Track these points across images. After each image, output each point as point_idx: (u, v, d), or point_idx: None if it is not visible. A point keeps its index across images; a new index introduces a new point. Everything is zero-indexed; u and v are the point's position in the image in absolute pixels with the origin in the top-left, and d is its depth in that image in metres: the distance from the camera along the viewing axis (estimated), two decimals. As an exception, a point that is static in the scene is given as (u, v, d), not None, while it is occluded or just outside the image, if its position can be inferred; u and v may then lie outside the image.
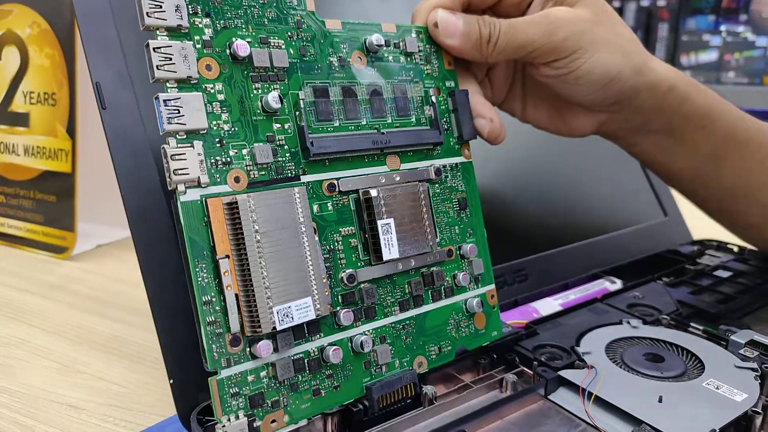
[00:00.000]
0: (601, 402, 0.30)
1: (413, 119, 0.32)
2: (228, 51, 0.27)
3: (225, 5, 0.27)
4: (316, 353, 0.28)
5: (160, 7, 0.24)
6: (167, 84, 0.25)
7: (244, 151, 0.27)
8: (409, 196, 0.31)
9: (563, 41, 0.34)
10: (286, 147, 0.28)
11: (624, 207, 0.54)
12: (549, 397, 0.32)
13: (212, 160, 0.26)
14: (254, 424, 0.26)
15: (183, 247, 0.25)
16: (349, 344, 0.29)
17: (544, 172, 0.52)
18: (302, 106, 0.28)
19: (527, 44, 0.34)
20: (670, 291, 0.43)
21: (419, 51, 0.33)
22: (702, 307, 0.40)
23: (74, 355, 0.40)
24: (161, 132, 0.25)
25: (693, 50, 2.22)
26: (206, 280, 0.25)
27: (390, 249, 0.30)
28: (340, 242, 0.29)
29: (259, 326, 0.25)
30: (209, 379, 0.25)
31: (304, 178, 0.28)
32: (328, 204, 0.29)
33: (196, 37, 0.26)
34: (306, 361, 0.27)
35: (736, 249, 0.52)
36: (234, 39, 0.27)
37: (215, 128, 0.26)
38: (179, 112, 0.24)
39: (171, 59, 0.24)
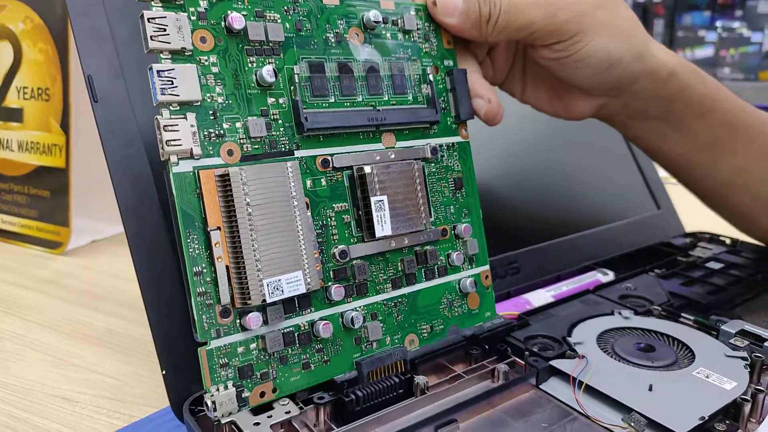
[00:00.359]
0: (591, 391, 0.30)
1: (410, 97, 0.32)
2: (223, 23, 0.27)
3: (221, -23, 0.27)
4: (307, 327, 0.28)
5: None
6: (161, 55, 0.25)
7: (238, 125, 0.27)
8: (403, 174, 0.31)
9: (564, 23, 0.33)
10: (280, 121, 0.28)
11: (617, 200, 0.54)
12: (540, 386, 0.32)
13: (205, 133, 0.26)
14: (243, 395, 0.26)
15: (175, 218, 0.25)
16: (340, 319, 0.29)
17: (537, 166, 0.52)
18: (297, 80, 0.28)
19: (528, 25, 0.33)
20: (662, 282, 0.43)
21: (418, 29, 0.33)
22: (693, 298, 0.41)
23: (68, 348, 0.40)
24: (155, 103, 0.25)
25: (689, 46, 2.22)
26: (197, 251, 0.25)
27: (383, 226, 0.30)
28: (333, 218, 0.29)
29: (249, 298, 0.25)
30: (198, 349, 0.25)
31: (298, 153, 0.28)
32: (322, 179, 0.29)
33: (191, 9, 0.26)
34: (296, 334, 0.28)
35: (728, 241, 0.52)
36: (229, 11, 0.27)
37: (209, 100, 0.26)
38: (173, 84, 0.25)
39: (165, 30, 0.24)
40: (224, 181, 0.26)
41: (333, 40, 0.30)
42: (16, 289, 0.50)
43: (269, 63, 0.28)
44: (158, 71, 0.24)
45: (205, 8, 0.26)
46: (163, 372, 0.29)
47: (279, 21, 0.28)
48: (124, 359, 0.39)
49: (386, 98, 0.31)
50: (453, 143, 0.34)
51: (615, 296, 0.41)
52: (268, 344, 0.27)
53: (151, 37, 0.24)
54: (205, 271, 0.25)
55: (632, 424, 0.27)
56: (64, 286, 0.51)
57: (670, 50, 0.39)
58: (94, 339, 0.42)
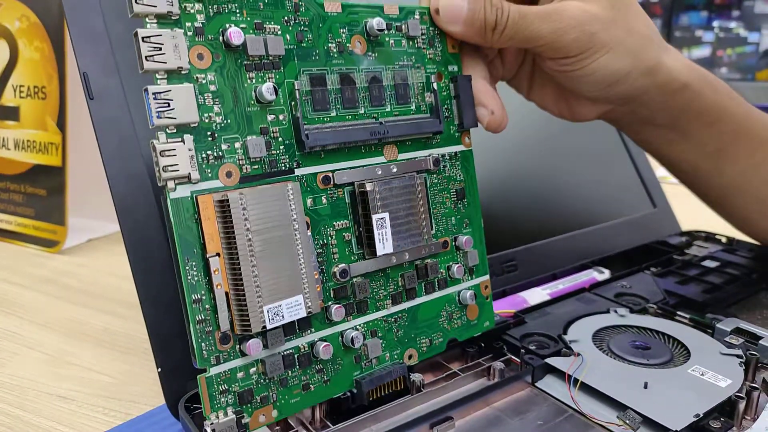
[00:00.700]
0: (587, 388, 0.30)
1: (413, 107, 0.31)
2: (221, 38, 0.25)
3: (218, -12, 0.25)
4: (307, 348, 0.28)
5: (149, -7, 0.23)
6: (157, 75, 0.24)
7: (237, 145, 0.26)
8: (405, 189, 0.30)
9: (572, 41, 0.32)
10: (280, 139, 0.27)
11: (613, 198, 0.54)
12: (536, 384, 0.32)
13: (203, 155, 0.25)
14: (242, 421, 0.26)
15: (173, 244, 0.24)
16: (340, 339, 0.29)
17: (534, 164, 0.52)
18: (298, 96, 0.27)
19: (535, 38, 0.32)
20: (658, 281, 0.43)
21: (422, 34, 0.32)
22: (689, 296, 0.41)
23: (64, 347, 0.40)
24: (150, 126, 0.24)
25: (686, 46, 2.22)
26: (196, 279, 0.24)
27: (384, 244, 0.29)
28: (334, 236, 0.29)
29: (249, 325, 0.25)
30: (198, 376, 0.25)
31: (299, 171, 0.28)
32: (323, 197, 0.28)
33: (188, 24, 0.24)
34: (296, 356, 0.27)
35: (724, 240, 0.52)
36: (227, 25, 0.25)
37: (207, 121, 0.25)
38: (169, 106, 0.24)
39: (161, 49, 0.23)
40: (223, 206, 0.25)
41: (335, 50, 0.29)
42: (13, 288, 0.50)
43: (269, 79, 0.27)
44: (154, 93, 0.23)
45: (202, 23, 0.25)
46: (159, 370, 0.29)
47: (279, 33, 0.27)
48: (120, 357, 0.39)
49: (389, 109, 0.31)
50: (455, 152, 0.33)
51: (611, 294, 0.41)
52: (268, 368, 0.26)
53: (146, 57, 0.23)
54: (204, 298, 0.25)
55: (627, 421, 0.28)
56: (61, 284, 0.51)
57: (686, 59, 0.38)
58: (90, 337, 0.41)
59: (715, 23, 2.22)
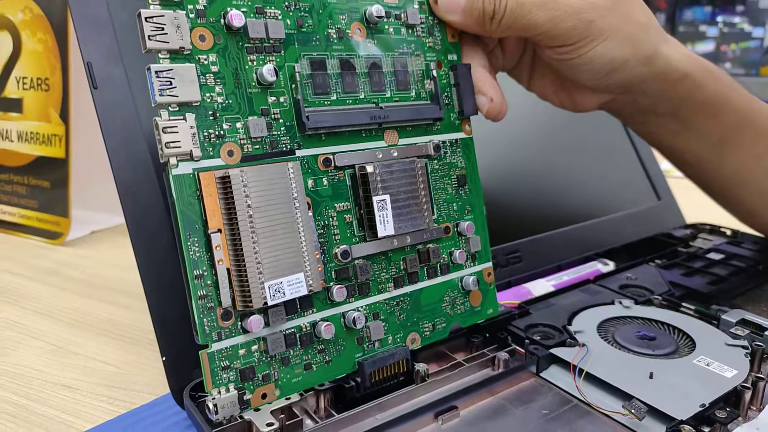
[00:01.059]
0: (592, 378, 0.30)
1: (413, 93, 0.32)
2: (222, 21, 0.26)
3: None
4: (309, 328, 0.28)
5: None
6: (159, 55, 0.24)
7: (238, 125, 0.26)
8: (406, 172, 0.30)
9: (570, 29, 0.32)
10: (281, 121, 0.27)
11: (617, 191, 0.54)
12: (541, 374, 0.32)
13: (205, 134, 0.25)
14: (244, 397, 0.26)
15: (175, 220, 0.25)
16: (342, 320, 0.29)
17: (539, 156, 0.52)
18: (298, 79, 0.28)
19: (532, 27, 0.32)
20: (663, 273, 0.43)
21: (421, 23, 0.32)
22: (694, 288, 0.41)
23: (69, 337, 0.40)
24: (153, 104, 0.24)
25: (690, 41, 2.22)
26: (198, 254, 0.25)
27: (385, 225, 0.29)
28: (335, 218, 0.29)
29: (251, 301, 0.25)
30: (200, 352, 0.25)
31: (300, 153, 0.28)
32: (323, 179, 0.29)
33: (190, 6, 0.25)
34: (298, 335, 0.27)
35: (729, 232, 0.52)
36: (228, 8, 0.26)
37: (208, 101, 0.25)
38: (171, 84, 0.24)
39: (163, 29, 0.24)
40: (225, 183, 0.25)
41: (335, 36, 0.29)
42: (16, 279, 0.50)
43: (270, 61, 0.27)
44: (156, 72, 0.24)
45: (204, 5, 0.25)
46: (164, 358, 0.29)
47: (280, 17, 0.28)
48: (124, 348, 0.39)
49: (389, 95, 0.31)
50: (456, 139, 0.33)
51: (615, 286, 0.41)
52: (270, 346, 0.26)
53: (149, 36, 0.24)
54: (205, 273, 0.25)
55: (633, 410, 0.27)
56: (65, 275, 0.51)
57: (687, 50, 0.38)
58: (94, 328, 0.42)
59: (720, 18, 2.22)
